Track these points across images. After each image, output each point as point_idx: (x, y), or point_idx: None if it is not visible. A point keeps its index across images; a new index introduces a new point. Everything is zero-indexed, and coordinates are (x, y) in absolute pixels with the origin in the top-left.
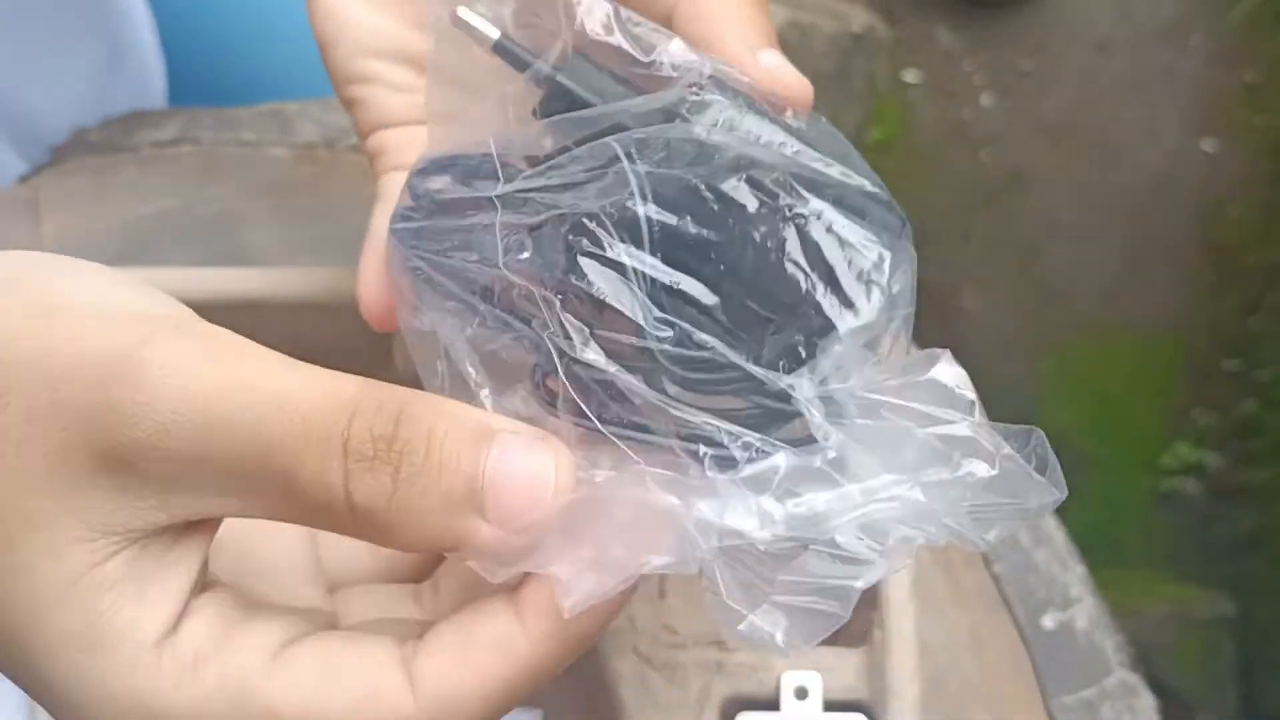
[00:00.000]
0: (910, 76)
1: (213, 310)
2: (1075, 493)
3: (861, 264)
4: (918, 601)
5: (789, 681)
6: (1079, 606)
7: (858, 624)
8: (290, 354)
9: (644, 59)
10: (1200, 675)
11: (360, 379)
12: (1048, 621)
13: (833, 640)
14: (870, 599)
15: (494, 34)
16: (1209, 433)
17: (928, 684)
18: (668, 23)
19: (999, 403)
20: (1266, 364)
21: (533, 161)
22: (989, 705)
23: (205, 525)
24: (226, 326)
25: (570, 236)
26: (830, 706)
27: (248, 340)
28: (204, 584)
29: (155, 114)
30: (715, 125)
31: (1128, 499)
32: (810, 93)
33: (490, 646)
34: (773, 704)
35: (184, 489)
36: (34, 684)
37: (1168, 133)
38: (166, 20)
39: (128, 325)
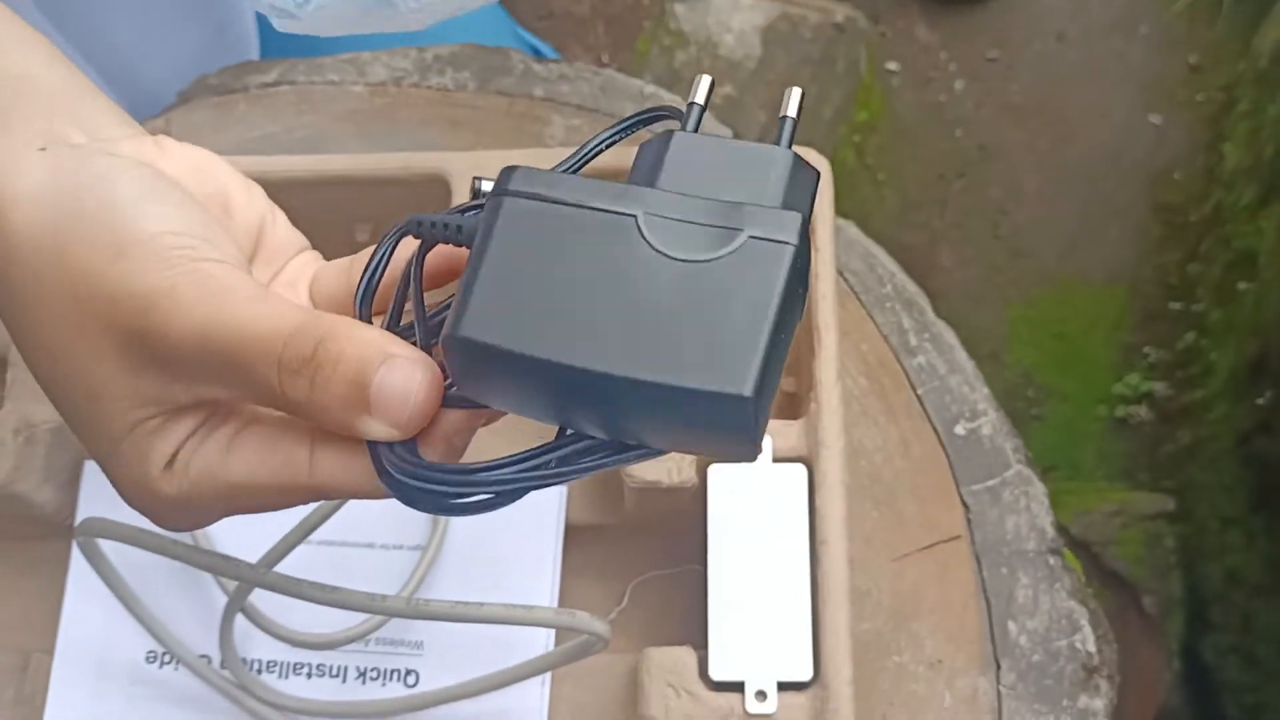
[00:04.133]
0: (892, 65)
1: (310, 186)
2: (1039, 420)
3: None
4: (843, 384)
5: None
6: (984, 418)
7: (798, 402)
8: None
9: None
10: (1143, 563)
11: (306, 311)
12: (960, 429)
13: (779, 414)
14: (809, 384)
15: None
16: (1157, 365)
17: (866, 479)
18: None
19: (972, 344)
20: (1200, 299)
21: None
22: (914, 493)
23: (205, 404)
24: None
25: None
26: (778, 460)
27: (240, 279)
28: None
29: (261, 63)
30: None
31: (1085, 425)
32: None
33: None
34: None
35: (194, 381)
36: (110, 479)
37: (1119, 110)
38: None
39: (166, 271)
